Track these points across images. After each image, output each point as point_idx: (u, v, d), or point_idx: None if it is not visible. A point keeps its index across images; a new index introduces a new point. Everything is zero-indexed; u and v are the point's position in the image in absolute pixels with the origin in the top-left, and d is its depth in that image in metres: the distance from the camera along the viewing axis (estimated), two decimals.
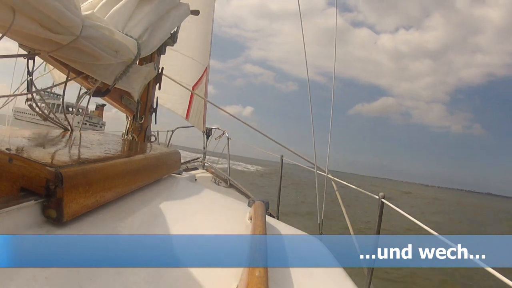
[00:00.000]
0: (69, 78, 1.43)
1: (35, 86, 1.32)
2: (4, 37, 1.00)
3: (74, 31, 1.15)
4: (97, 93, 1.62)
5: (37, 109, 1.38)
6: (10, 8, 0.93)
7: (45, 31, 1.07)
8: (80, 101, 1.63)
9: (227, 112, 2.97)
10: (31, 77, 1.30)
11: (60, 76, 1.66)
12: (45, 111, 1.45)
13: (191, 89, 4.65)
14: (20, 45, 1.22)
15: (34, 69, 1.30)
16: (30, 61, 1.29)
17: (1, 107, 1.44)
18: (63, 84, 1.45)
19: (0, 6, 0.91)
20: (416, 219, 1.71)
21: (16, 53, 1.28)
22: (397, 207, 1.87)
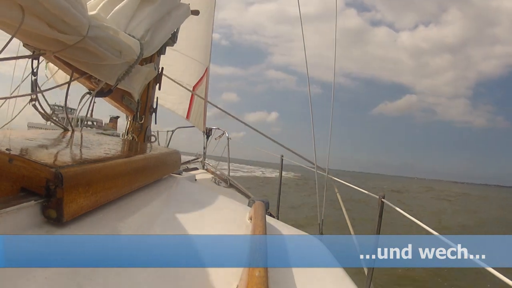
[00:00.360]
0: (72, 79, 1.43)
1: (39, 87, 1.33)
2: (4, 37, 1.01)
3: (81, 31, 1.15)
4: (100, 93, 1.62)
5: (40, 109, 1.38)
6: (19, 7, 0.93)
7: (52, 31, 1.07)
8: (85, 103, 1.64)
9: (227, 113, 2.97)
10: (35, 77, 1.31)
11: (62, 78, 1.66)
12: (48, 111, 1.45)
13: (191, 88, 4.65)
14: (25, 45, 1.22)
15: (37, 69, 1.30)
16: (34, 61, 1.29)
17: (1, 106, 1.45)
18: (66, 85, 1.45)
19: (10, 5, 0.91)
20: (417, 219, 1.71)
21: (16, 53, 1.28)
22: (397, 207, 1.88)
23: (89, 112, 1.64)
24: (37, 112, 1.38)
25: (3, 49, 0.99)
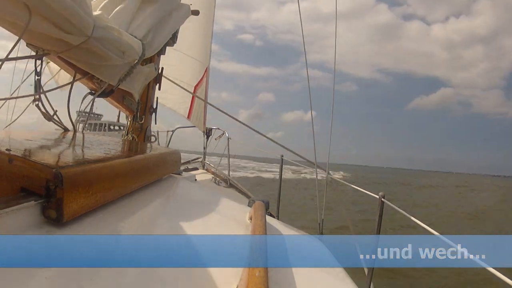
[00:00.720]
0: (75, 79, 1.43)
1: (42, 87, 1.33)
2: (4, 37, 1.01)
3: (86, 31, 1.15)
4: (101, 93, 1.62)
5: (42, 109, 1.38)
6: (26, 8, 0.93)
7: (58, 31, 1.07)
8: (89, 102, 1.64)
9: (226, 114, 2.97)
10: (39, 78, 1.31)
11: (64, 79, 1.66)
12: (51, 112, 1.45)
13: (193, 88, 4.65)
14: (28, 45, 1.22)
15: (41, 69, 1.30)
16: (37, 61, 1.29)
17: (1, 107, 1.44)
18: (68, 86, 1.45)
19: (17, 5, 0.91)
20: (417, 219, 1.71)
21: (17, 53, 1.28)
22: (397, 207, 1.87)
23: (90, 111, 1.64)
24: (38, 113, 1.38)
25: (10, 51, 0.99)
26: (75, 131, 1.53)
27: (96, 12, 1.30)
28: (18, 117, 1.68)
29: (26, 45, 1.22)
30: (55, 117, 1.43)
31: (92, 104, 1.67)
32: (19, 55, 1.26)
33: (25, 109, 1.48)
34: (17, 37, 1.02)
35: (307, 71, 3.24)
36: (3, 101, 1.49)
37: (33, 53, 1.23)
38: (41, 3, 0.94)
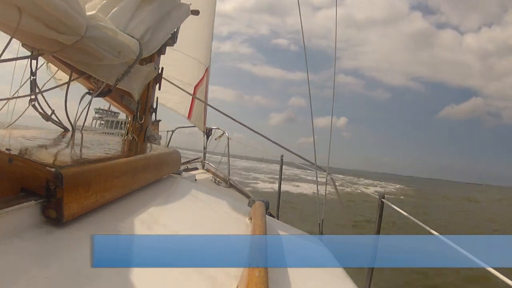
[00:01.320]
0: (72, 79, 1.43)
1: (38, 87, 1.33)
2: (3, 37, 1.01)
3: (79, 31, 1.15)
4: (99, 93, 1.62)
5: (39, 109, 1.38)
6: (16, 8, 0.93)
7: (50, 31, 1.07)
8: (87, 104, 1.63)
9: (226, 115, 2.96)
10: (34, 77, 1.31)
11: (62, 78, 1.66)
12: (48, 112, 1.45)
13: (193, 88, 4.65)
14: (23, 45, 1.22)
15: (36, 69, 1.30)
16: (33, 61, 1.29)
17: (1, 108, 1.45)
18: (66, 85, 1.45)
19: (7, 6, 0.91)
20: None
21: (16, 53, 1.28)
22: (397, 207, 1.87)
23: (87, 112, 1.63)
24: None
25: (3, 51, 1.00)
26: (74, 130, 1.53)
27: (90, 12, 1.30)
28: (18, 118, 1.68)
29: (22, 45, 1.22)
30: (53, 117, 1.43)
31: (89, 104, 1.67)
32: (18, 56, 1.27)
33: (25, 111, 1.48)
34: (7, 39, 1.02)
35: (307, 73, 3.24)
36: (4, 102, 1.49)
37: (28, 54, 1.23)
38: (31, 3, 0.94)
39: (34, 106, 1.33)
